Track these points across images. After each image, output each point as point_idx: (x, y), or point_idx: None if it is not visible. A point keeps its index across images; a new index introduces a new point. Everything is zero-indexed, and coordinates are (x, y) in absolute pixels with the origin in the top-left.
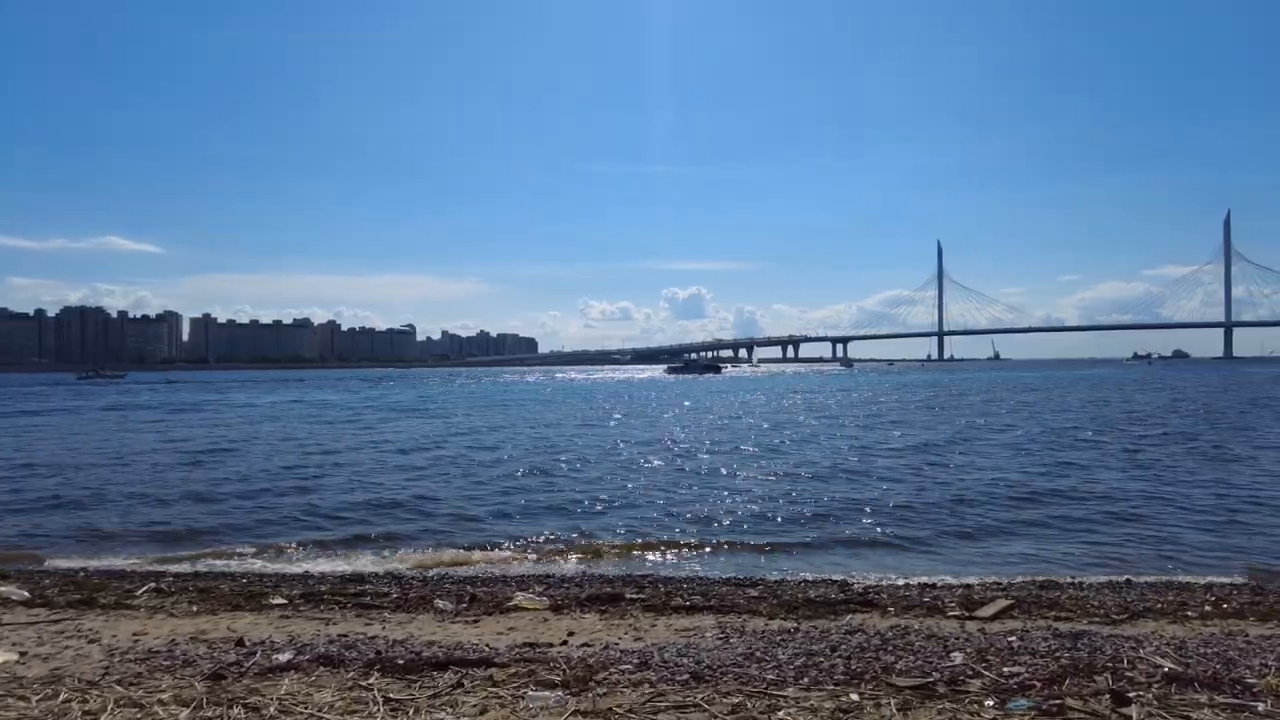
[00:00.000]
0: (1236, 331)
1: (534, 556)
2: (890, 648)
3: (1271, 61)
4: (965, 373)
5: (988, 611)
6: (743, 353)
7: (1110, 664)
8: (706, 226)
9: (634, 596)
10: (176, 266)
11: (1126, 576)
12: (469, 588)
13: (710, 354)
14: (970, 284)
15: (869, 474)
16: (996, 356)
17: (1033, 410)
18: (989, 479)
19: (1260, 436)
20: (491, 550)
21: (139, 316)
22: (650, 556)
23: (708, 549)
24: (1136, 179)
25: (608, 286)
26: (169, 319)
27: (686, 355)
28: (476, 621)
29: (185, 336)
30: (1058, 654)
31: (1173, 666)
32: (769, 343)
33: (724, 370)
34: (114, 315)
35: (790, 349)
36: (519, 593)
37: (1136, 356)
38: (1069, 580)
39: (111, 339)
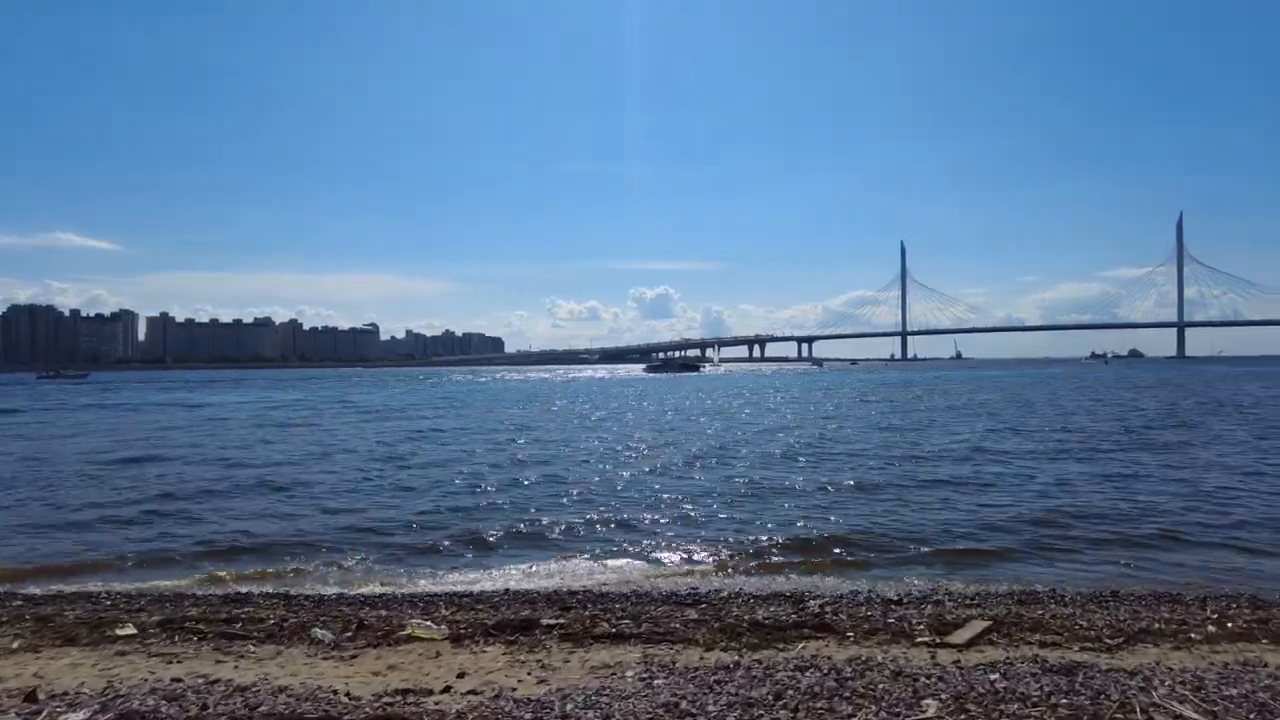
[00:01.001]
0: (1188, 331)
1: (450, 572)
2: (848, 692)
3: (1223, 66)
4: (936, 371)
5: (963, 636)
6: (710, 352)
7: (1120, 714)
8: (674, 226)
9: (551, 622)
10: (134, 264)
11: (1111, 588)
12: (367, 609)
13: (678, 353)
14: (933, 284)
15: (844, 481)
16: (958, 356)
17: (1000, 409)
18: (963, 483)
19: (1231, 435)
20: (403, 565)
21: (92, 315)
22: (588, 570)
23: (653, 562)
24: (1094, 181)
25: (575, 286)
26: (124, 318)
27: (655, 355)
28: (354, 657)
29: (142, 336)
30: (1053, 699)
31: (1198, 718)
32: (736, 342)
33: (701, 369)
34: (65, 314)
35: (757, 348)
36: (414, 619)
37: (1094, 356)
38: (1047, 590)
39: (63, 338)
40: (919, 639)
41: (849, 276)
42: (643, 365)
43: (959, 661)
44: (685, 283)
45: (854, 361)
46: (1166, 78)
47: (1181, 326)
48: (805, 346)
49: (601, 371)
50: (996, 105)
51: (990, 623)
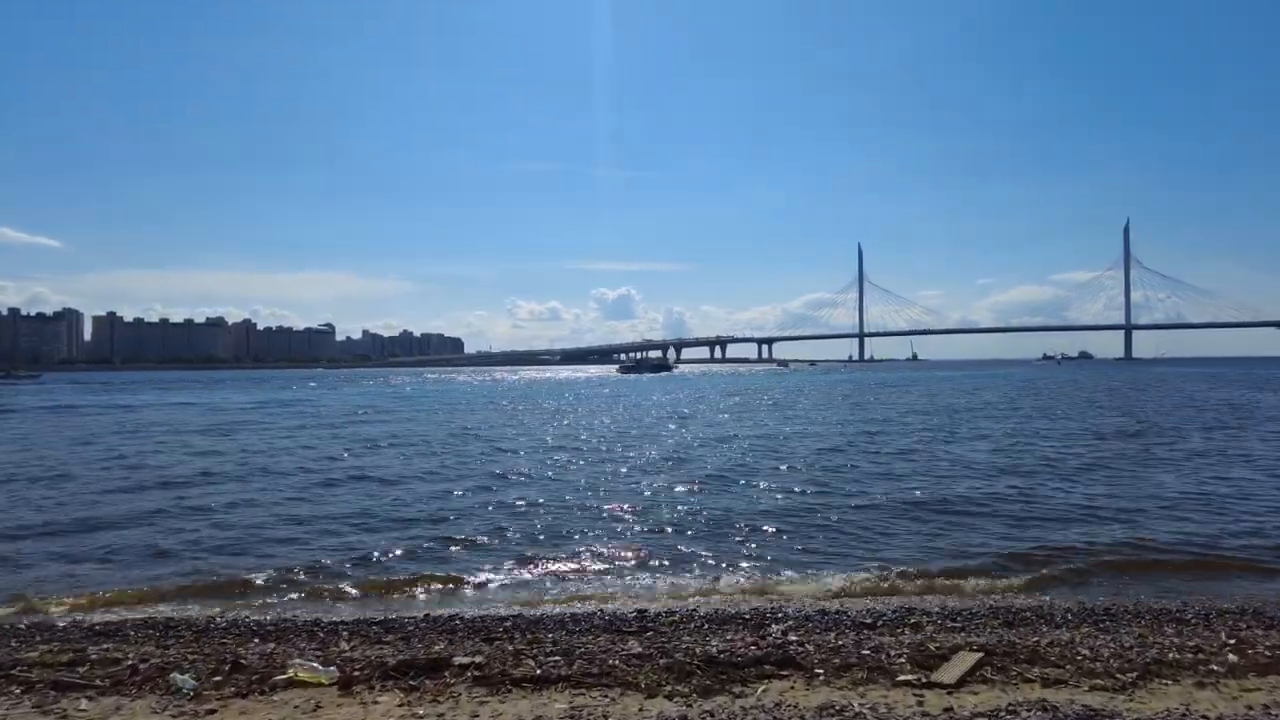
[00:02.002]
0: (1135, 333)
1: (364, 594)
2: None
3: (1172, 77)
4: (897, 372)
5: (952, 673)
6: (671, 353)
7: None
8: (636, 227)
9: (465, 661)
10: (79, 262)
11: (1103, 605)
12: (255, 642)
13: (640, 354)
14: (889, 286)
15: (808, 491)
16: (914, 357)
17: (969, 413)
18: (930, 493)
19: (1186, 436)
20: (312, 584)
21: (33, 315)
22: (524, 593)
23: (599, 582)
24: (1049, 184)
25: (536, 286)
26: (69, 317)
27: (616, 355)
28: (212, 713)
29: (88, 336)
30: None
31: None
32: (697, 343)
33: (674, 370)
34: (4, 313)
35: (718, 350)
36: (298, 660)
37: (1046, 357)
38: (1033, 608)
39: (1, 338)
40: (900, 676)
41: (807, 278)
42: (606, 366)
43: (952, 710)
44: (647, 284)
45: (812, 363)
46: (1119, 83)
47: (1129, 329)
48: (765, 348)
49: (565, 372)
50: (954, 108)
51: (981, 654)
